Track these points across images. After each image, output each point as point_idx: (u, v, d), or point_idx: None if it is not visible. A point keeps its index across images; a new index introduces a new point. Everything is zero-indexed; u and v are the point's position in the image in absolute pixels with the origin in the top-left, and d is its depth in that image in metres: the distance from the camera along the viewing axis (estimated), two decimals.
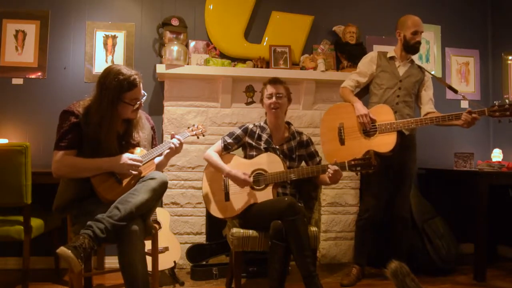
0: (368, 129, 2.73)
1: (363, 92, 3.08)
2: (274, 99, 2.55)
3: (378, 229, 3.04)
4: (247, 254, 2.86)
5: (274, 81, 2.61)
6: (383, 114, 2.73)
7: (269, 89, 2.58)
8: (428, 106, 2.90)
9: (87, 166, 1.98)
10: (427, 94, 2.92)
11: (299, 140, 2.66)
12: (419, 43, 2.86)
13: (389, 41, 3.66)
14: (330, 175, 2.36)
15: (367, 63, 2.98)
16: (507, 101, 2.51)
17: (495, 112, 2.49)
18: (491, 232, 3.27)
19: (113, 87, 1.97)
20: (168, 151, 2.26)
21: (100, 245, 1.84)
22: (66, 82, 3.35)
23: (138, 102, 2.07)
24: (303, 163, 2.68)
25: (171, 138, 2.29)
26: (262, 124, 2.68)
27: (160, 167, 2.29)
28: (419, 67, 2.96)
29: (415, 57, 3.03)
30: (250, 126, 2.67)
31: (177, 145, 2.26)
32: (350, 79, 2.99)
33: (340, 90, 3.01)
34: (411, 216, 3.11)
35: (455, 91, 2.91)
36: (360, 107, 2.78)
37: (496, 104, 2.50)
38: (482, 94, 4.02)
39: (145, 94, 2.13)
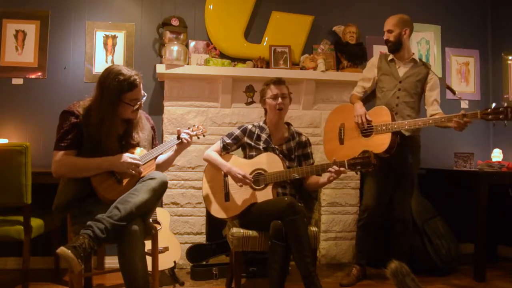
0: (364, 128, 2.74)
1: (372, 96, 3.09)
2: (280, 100, 2.54)
3: (378, 229, 3.04)
4: (247, 254, 2.87)
5: (279, 82, 2.58)
6: (381, 116, 2.74)
7: (274, 90, 2.56)
8: (431, 108, 2.85)
9: (87, 166, 1.99)
10: (431, 94, 2.87)
11: (299, 140, 2.66)
12: (387, 41, 2.88)
13: None
14: (332, 177, 2.36)
15: (369, 68, 3.03)
16: (505, 103, 2.47)
17: (488, 115, 2.42)
18: (491, 232, 3.27)
19: (113, 88, 1.97)
20: (170, 152, 2.32)
21: (100, 245, 1.84)
22: (66, 82, 3.35)
23: (138, 103, 2.08)
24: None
25: (178, 134, 2.33)
26: (261, 124, 2.67)
27: (168, 162, 2.35)
28: (424, 64, 2.91)
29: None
30: (249, 126, 2.67)
31: (189, 139, 2.33)
32: (358, 85, 3.05)
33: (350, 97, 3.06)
34: (411, 216, 3.11)
35: (454, 92, 2.89)
36: (358, 107, 2.80)
37: (491, 106, 2.44)
38: (482, 94, 4.02)
39: (145, 94, 2.13)
